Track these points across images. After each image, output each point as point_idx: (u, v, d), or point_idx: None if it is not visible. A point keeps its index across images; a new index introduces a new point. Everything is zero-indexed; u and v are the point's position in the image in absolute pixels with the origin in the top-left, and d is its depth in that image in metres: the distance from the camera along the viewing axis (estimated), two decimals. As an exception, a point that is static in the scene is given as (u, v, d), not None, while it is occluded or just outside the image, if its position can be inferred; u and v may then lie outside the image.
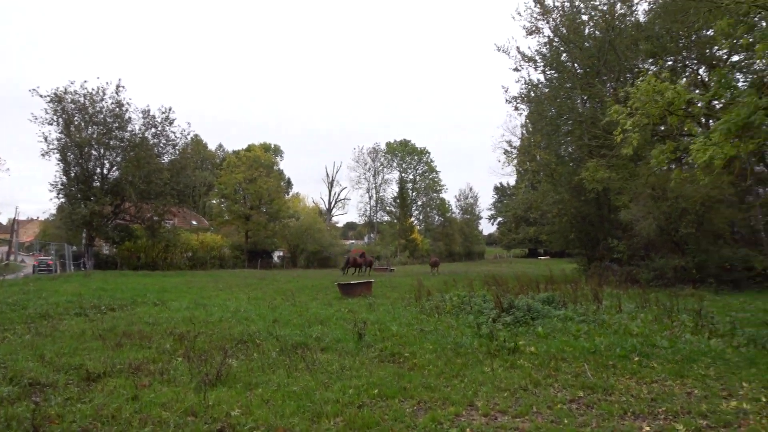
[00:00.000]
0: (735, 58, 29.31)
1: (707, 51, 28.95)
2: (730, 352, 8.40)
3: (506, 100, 31.67)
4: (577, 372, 7.33)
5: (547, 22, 30.38)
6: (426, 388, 6.48)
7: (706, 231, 23.05)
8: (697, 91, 17.71)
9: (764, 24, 14.84)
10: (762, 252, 23.66)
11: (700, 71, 30.74)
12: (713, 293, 20.18)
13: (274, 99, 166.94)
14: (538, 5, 30.82)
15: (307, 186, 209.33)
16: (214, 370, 6.72)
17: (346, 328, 10.45)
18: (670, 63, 32.07)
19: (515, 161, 34.60)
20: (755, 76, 16.51)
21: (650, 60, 31.50)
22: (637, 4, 30.46)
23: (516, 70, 32.91)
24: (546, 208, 30.90)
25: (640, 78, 13.12)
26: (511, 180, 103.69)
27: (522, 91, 33.17)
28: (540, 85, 32.37)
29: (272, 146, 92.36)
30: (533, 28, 31.34)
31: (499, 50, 32.92)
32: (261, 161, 59.63)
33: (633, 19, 30.56)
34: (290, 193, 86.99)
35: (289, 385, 6.54)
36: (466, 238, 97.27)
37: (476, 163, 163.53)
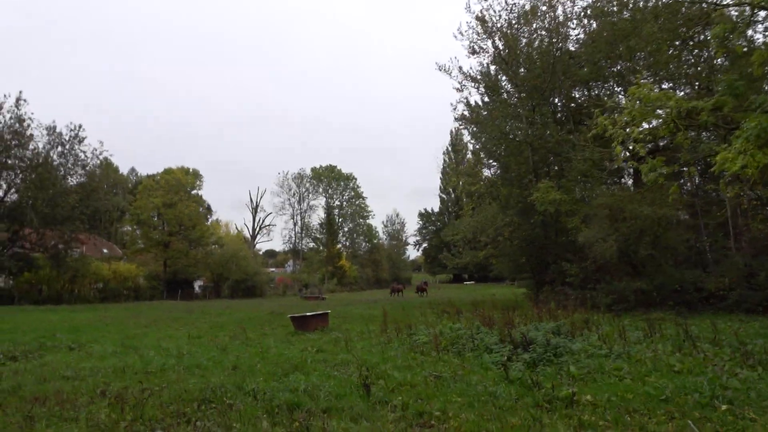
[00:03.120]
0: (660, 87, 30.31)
1: (633, 79, 29.44)
2: (811, 391, 7.07)
3: (455, 119, 30.87)
4: (675, 430, 5.65)
5: (492, 41, 29.91)
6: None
7: (663, 252, 22.74)
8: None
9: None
10: (709, 273, 23.66)
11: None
12: (676, 316, 19.58)
13: (192, 122, 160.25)
14: (480, 25, 30.34)
15: (227, 213, 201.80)
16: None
17: (338, 377, 8.28)
18: (595, 92, 32.84)
19: (461, 183, 33.89)
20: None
21: (584, 85, 31.93)
22: (574, 30, 30.73)
23: (459, 90, 32.30)
24: (492, 233, 29.93)
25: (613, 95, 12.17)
26: (436, 205, 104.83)
27: (464, 112, 32.62)
28: (485, 105, 31.87)
29: (191, 170, 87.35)
30: (476, 48, 30.84)
31: (440, 69, 32.15)
32: (182, 184, 55.58)
33: (567, 46, 30.76)
34: (210, 220, 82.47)
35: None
36: (394, 264, 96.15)
37: (402, 189, 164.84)
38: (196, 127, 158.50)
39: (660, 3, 26.70)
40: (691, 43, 27.48)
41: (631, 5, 28.26)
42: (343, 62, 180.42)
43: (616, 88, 31.55)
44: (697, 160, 17.50)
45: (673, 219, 24.01)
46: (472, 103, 32.83)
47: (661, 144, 25.49)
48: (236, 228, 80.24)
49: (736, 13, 23.75)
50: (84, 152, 40.86)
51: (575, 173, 26.34)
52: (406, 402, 6.74)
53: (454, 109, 32.10)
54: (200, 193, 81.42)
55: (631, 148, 13.04)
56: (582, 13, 30.10)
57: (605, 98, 32.37)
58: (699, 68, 26.27)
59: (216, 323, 20.32)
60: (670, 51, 26.81)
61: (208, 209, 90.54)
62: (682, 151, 14.13)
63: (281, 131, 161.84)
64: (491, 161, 33.21)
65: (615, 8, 28.72)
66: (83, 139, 40.52)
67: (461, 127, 32.76)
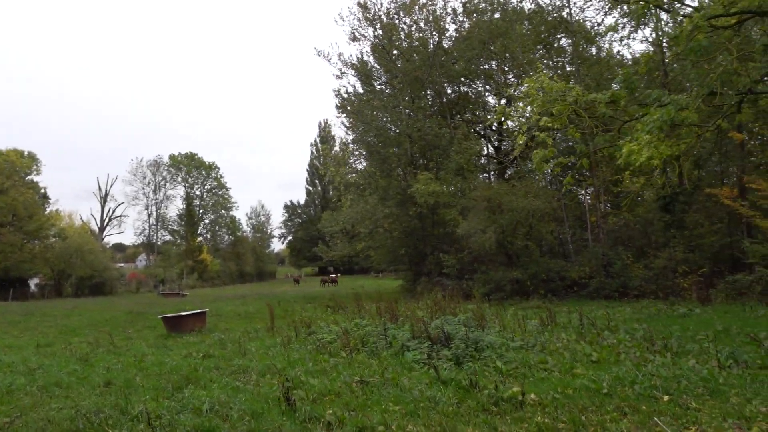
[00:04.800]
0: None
1: (501, 79, 30.94)
2: (725, 375, 7.26)
3: (336, 106, 30.13)
4: (637, 427, 5.32)
5: (374, 29, 29.53)
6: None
7: (535, 243, 23.83)
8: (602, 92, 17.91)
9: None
10: (572, 263, 25.29)
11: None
12: (549, 304, 20.48)
13: (29, 98, 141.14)
14: (362, 11, 29.82)
15: (71, 203, 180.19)
16: None
17: (247, 390, 7.01)
18: (464, 89, 34.20)
19: (334, 174, 33.17)
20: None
21: (458, 81, 32.87)
22: (453, 24, 31.40)
23: (339, 77, 31.63)
24: (371, 224, 29.61)
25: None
26: (302, 198, 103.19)
27: (343, 101, 31.96)
28: (363, 95, 31.44)
29: (26, 153, 76.66)
30: (357, 35, 30.30)
31: (319, 55, 31.30)
32: (15, 168, 48.46)
33: (443, 42, 31.43)
34: (49, 209, 73.23)
35: None
36: (258, 257, 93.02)
37: (268, 180, 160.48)
38: (34, 104, 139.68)
39: (528, 6, 28.13)
40: (551, 48, 29.45)
41: (503, 6, 29.49)
42: (212, 47, 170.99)
43: (486, 87, 32.93)
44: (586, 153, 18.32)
45: (544, 211, 25.34)
46: (351, 91, 32.32)
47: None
48: (81, 219, 72.11)
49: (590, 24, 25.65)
50: None
51: (453, 166, 26.81)
52: (341, 416, 5.75)
53: (337, 95, 31.24)
54: (37, 179, 72.06)
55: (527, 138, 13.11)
56: (460, 9, 30.82)
57: (473, 96, 33.84)
58: (558, 72, 28.09)
59: (65, 327, 17.52)
60: (537, 54, 28.44)
61: (45, 197, 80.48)
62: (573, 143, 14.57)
63: (135, 114, 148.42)
64: (368, 152, 32.95)
65: (489, 7, 29.72)
66: None
67: (339, 114, 32.06)
